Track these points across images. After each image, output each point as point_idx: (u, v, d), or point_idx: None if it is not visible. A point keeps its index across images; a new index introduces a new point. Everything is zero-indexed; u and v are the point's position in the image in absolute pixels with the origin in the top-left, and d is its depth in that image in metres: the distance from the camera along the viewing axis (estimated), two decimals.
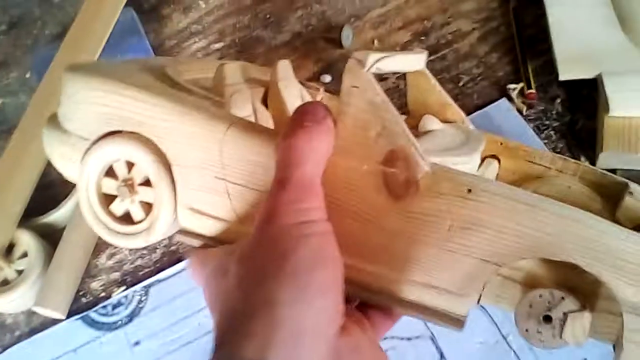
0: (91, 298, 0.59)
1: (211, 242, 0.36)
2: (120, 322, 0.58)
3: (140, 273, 0.60)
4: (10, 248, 0.59)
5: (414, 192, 0.32)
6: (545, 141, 0.61)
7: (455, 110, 0.51)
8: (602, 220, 0.32)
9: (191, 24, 0.72)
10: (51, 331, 0.58)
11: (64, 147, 0.38)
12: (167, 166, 0.35)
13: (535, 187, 0.49)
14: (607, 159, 0.57)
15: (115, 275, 0.60)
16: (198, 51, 0.70)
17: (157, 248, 0.60)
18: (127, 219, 0.37)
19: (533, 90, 0.63)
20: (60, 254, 0.59)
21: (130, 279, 0.59)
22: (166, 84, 0.39)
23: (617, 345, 0.32)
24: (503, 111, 0.63)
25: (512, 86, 0.63)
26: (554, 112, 0.62)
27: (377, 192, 0.32)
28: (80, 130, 0.37)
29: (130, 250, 0.61)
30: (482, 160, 0.50)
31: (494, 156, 0.51)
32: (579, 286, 0.34)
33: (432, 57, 0.66)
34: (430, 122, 0.48)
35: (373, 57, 0.32)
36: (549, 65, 0.62)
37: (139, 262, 0.60)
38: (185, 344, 0.57)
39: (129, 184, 0.36)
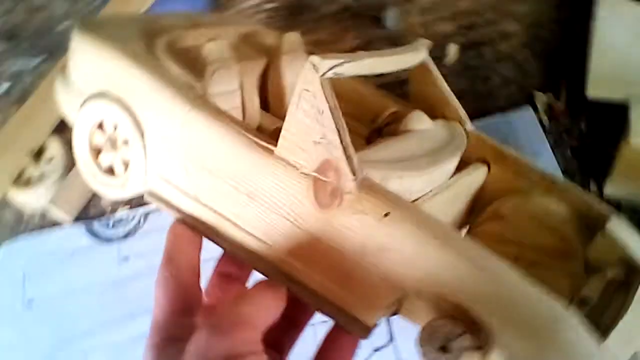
0: (98, 210, 0.64)
1: (176, 213, 0.39)
2: (116, 236, 0.63)
3: None
4: (40, 152, 0.65)
5: (337, 205, 0.32)
6: (560, 158, 0.59)
7: (453, 108, 0.49)
8: (509, 272, 0.31)
9: None
10: (56, 230, 0.63)
11: (67, 94, 0.42)
12: (141, 132, 0.38)
13: (514, 203, 0.46)
14: (614, 187, 0.55)
15: None
16: (249, 8, 0.73)
17: None
18: (110, 171, 0.40)
19: (560, 105, 0.61)
20: None
21: (136, 201, 0.64)
22: (153, 57, 0.41)
23: None
24: (525, 119, 0.62)
25: (539, 94, 0.62)
26: (576, 130, 0.60)
27: (306, 197, 0.33)
28: (80, 83, 0.41)
29: None
30: (469, 163, 0.49)
31: (484, 161, 0.49)
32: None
33: (470, 53, 0.66)
34: (413, 122, 0.46)
35: (328, 62, 0.32)
36: (585, 83, 0.60)
37: None
38: None
39: (112, 140, 0.39)
